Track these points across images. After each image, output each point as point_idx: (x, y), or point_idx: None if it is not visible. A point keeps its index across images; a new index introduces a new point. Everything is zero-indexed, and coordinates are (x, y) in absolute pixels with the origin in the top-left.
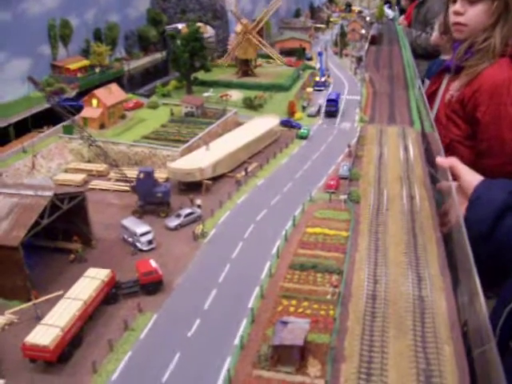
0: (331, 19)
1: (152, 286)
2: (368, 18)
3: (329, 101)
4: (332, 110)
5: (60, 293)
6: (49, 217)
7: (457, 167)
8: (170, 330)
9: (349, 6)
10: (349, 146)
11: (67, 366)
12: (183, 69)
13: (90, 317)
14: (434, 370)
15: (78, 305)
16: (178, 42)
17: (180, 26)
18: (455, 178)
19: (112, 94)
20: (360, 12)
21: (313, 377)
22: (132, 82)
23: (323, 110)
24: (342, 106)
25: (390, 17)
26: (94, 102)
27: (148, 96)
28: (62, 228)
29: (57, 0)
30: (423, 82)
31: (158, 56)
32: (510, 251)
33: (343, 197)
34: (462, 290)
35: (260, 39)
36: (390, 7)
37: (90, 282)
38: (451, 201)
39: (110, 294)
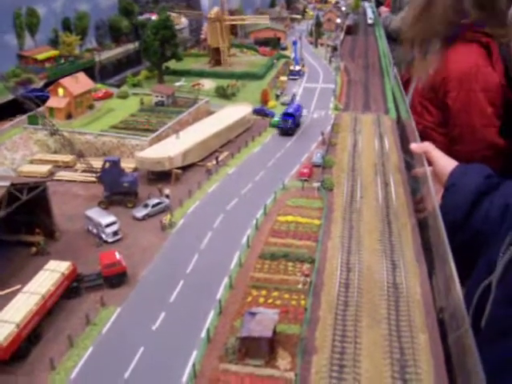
0: (307, 11)
1: (115, 279)
2: (344, 9)
3: (285, 115)
4: (286, 126)
5: (18, 287)
6: (6, 208)
7: (430, 153)
8: (133, 323)
9: None
10: (322, 134)
11: (24, 364)
12: (154, 58)
13: (49, 312)
14: (408, 360)
15: (35, 299)
16: (148, 30)
17: (154, 16)
18: (430, 163)
19: (79, 83)
20: (336, 3)
21: (282, 370)
22: (103, 73)
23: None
24: (305, 119)
25: (370, 21)
26: (61, 91)
27: (118, 86)
28: (24, 220)
29: None
30: (400, 68)
31: (131, 47)
32: (486, 236)
33: (316, 184)
34: (438, 275)
35: (233, 17)
36: None
37: (49, 276)
38: (426, 187)
39: (72, 288)
